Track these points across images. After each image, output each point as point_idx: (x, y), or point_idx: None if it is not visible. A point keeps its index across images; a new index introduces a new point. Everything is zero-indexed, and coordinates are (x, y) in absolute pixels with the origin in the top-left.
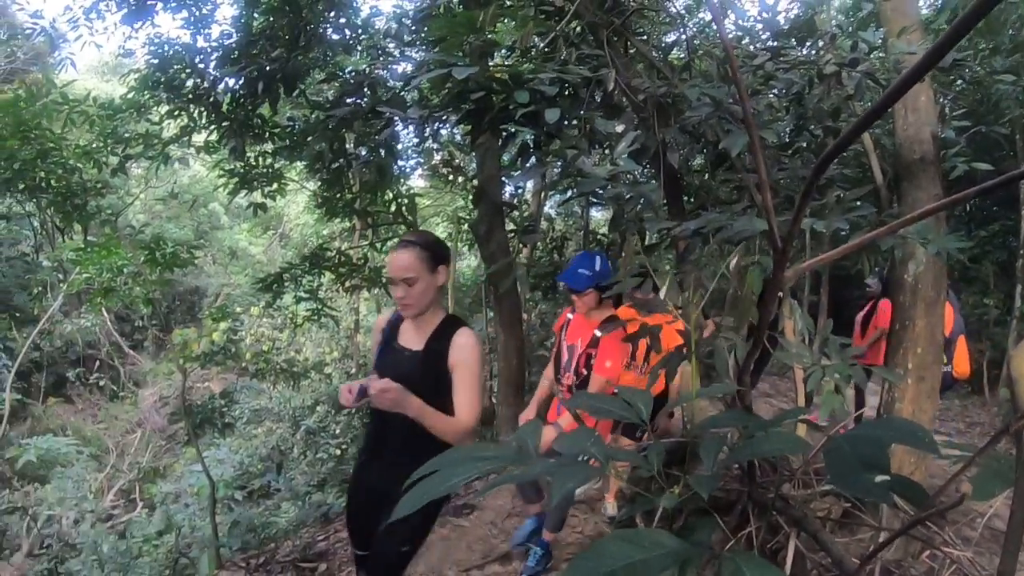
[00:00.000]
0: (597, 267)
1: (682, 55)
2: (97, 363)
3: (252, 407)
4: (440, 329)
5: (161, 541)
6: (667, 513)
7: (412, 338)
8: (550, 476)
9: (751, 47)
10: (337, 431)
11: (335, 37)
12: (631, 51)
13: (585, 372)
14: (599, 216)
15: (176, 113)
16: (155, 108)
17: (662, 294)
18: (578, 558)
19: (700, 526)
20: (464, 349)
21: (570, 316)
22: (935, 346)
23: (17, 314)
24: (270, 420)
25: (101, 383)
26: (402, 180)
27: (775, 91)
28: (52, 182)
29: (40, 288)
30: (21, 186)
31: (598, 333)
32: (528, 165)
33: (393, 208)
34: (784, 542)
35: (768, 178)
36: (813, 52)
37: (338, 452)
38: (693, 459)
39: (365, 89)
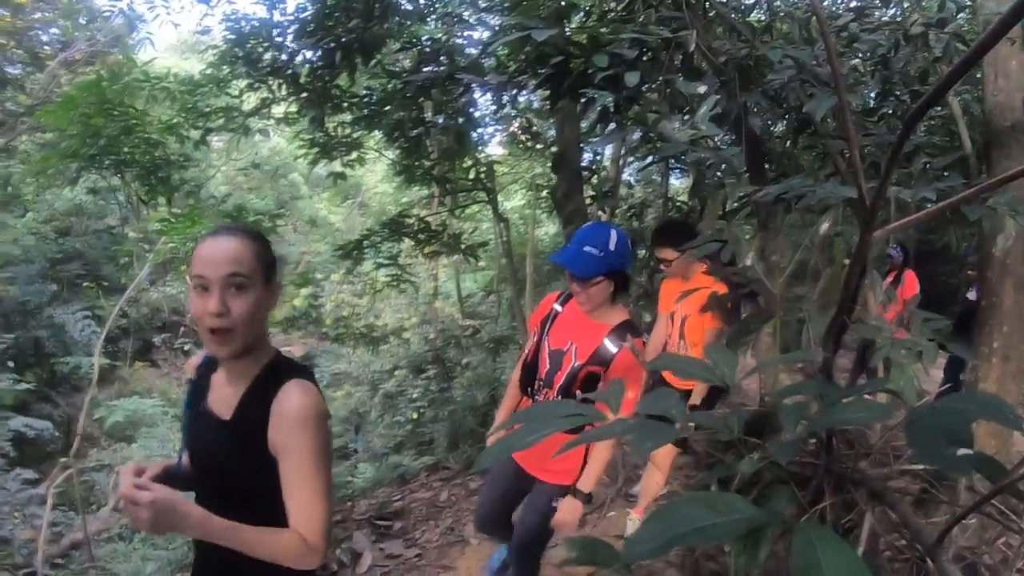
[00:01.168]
0: (611, 245)
1: (763, 17)
2: (182, 329)
3: (332, 371)
4: (258, 383)
5: None
6: (744, 480)
7: (222, 396)
8: (628, 435)
9: (834, 7)
10: (415, 395)
11: (409, 7)
12: (710, 13)
13: (582, 397)
14: (678, 183)
15: (255, 86)
16: (234, 82)
17: (743, 262)
18: (649, 519)
19: (776, 495)
20: (291, 421)
21: (557, 307)
22: (1023, 324)
23: (105, 283)
24: (349, 384)
25: (186, 348)
26: (480, 147)
27: (859, 54)
28: (137, 157)
29: (127, 258)
30: (107, 162)
31: (610, 347)
32: (608, 130)
33: (472, 175)
34: (858, 520)
35: (853, 143)
36: (899, 13)
37: (415, 416)
38: (771, 430)
39: (442, 57)
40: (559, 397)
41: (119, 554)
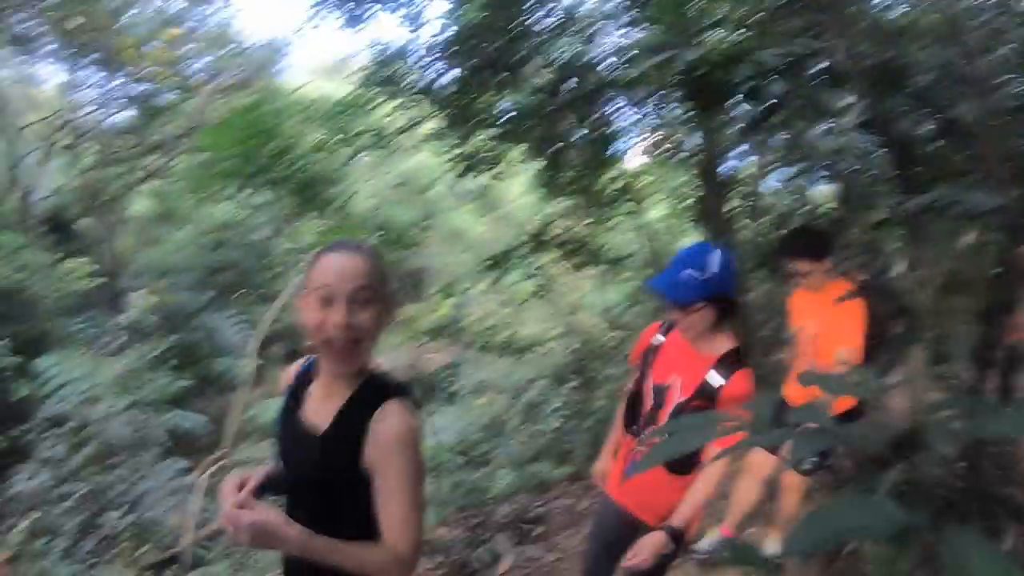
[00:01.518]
0: (714, 267)
1: (905, 10)
2: None
3: (475, 379)
4: (357, 399)
5: None
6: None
7: (319, 408)
8: (785, 442)
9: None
10: (556, 405)
11: (547, 22)
12: (849, 9)
13: None
14: (824, 191)
15: (404, 107)
16: (382, 103)
17: (893, 274)
18: (806, 518)
19: (921, 506)
20: (390, 441)
21: (659, 338)
22: None
23: (258, 292)
24: (491, 392)
25: None
26: (622, 159)
27: (1010, 47)
28: (290, 175)
29: (279, 268)
30: (264, 180)
31: (716, 381)
32: (753, 140)
33: (614, 186)
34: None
35: (1005, 146)
36: None
37: (556, 425)
38: (918, 447)
39: (584, 71)
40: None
41: None
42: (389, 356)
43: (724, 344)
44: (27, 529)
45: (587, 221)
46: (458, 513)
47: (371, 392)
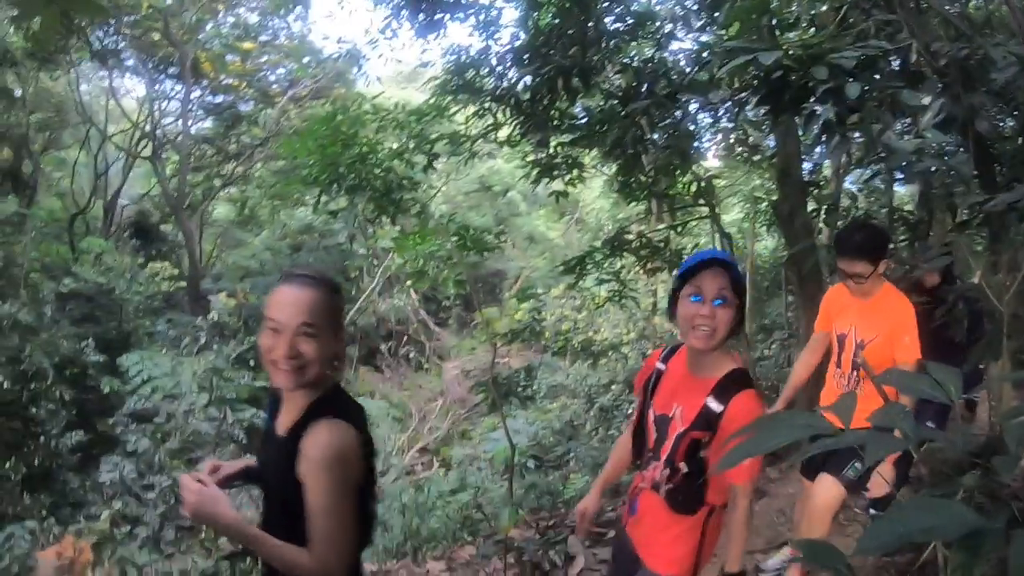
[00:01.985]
0: (736, 272)
1: (980, 4)
2: (405, 338)
3: (549, 383)
4: (307, 414)
5: (454, 498)
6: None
7: (284, 418)
8: (861, 443)
9: None
10: (629, 411)
11: (619, 27)
12: (923, 5)
13: (686, 469)
14: (903, 192)
15: (481, 113)
16: (457, 109)
17: (975, 277)
18: (878, 520)
19: (996, 510)
20: (310, 459)
21: (660, 366)
22: None
23: None
24: (566, 396)
25: (409, 355)
26: (697, 162)
27: None
28: (369, 181)
29: (356, 272)
30: (344, 186)
31: (715, 406)
32: (832, 142)
33: (691, 190)
34: None
35: None
36: None
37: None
38: (994, 452)
39: (658, 76)
40: (667, 470)
41: None
42: (466, 359)
43: (726, 364)
44: (111, 517)
45: (662, 225)
46: (531, 515)
47: (317, 409)
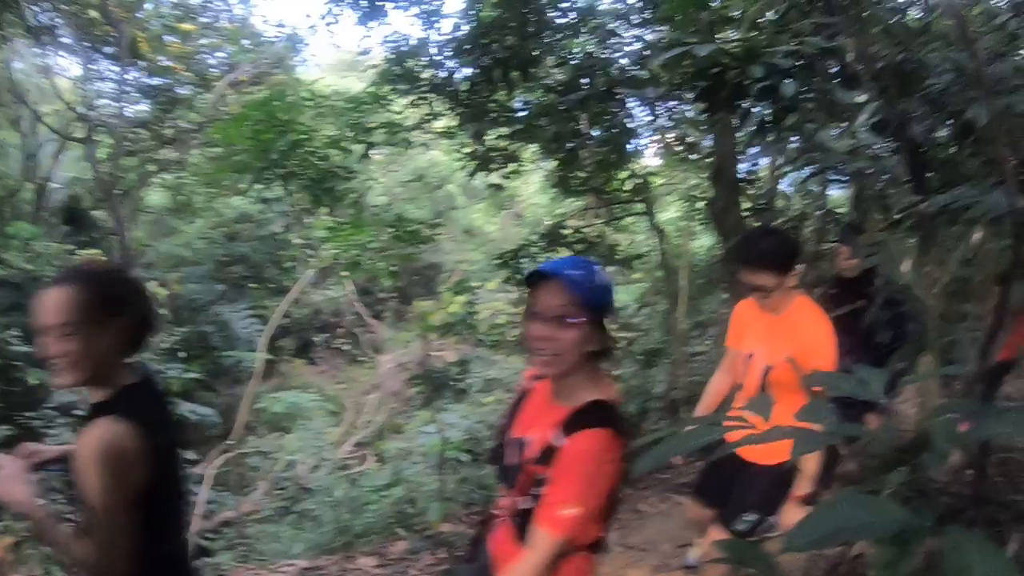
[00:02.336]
0: (596, 279)
1: (919, 15)
2: (340, 330)
3: (484, 377)
4: (90, 413)
5: (389, 493)
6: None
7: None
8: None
9: (996, 4)
10: None
11: (561, 21)
12: (864, 14)
13: (528, 504)
14: (837, 194)
15: (417, 103)
16: (396, 99)
17: (904, 277)
18: (807, 516)
19: (925, 509)
20: (81, 454)
21: (530, 384)
22: None
23: (269, 285)
24: (500, 390)
25: (343, 348)
26: (635, 158)
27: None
28: (304, 169)
29: (290, 262)
30: (276, 174)
31: (556, 440)
32: (766, 141)
33: (628, 187)
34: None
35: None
36: None
37: None
38: (922, 449)
39: (597, 71)
40: (522, 497)
41: (267, 534)
42: (401, 352)
43: (586, 394)
44: None
45: (599, 221)
46: (463, 509)
47: (99, 410)
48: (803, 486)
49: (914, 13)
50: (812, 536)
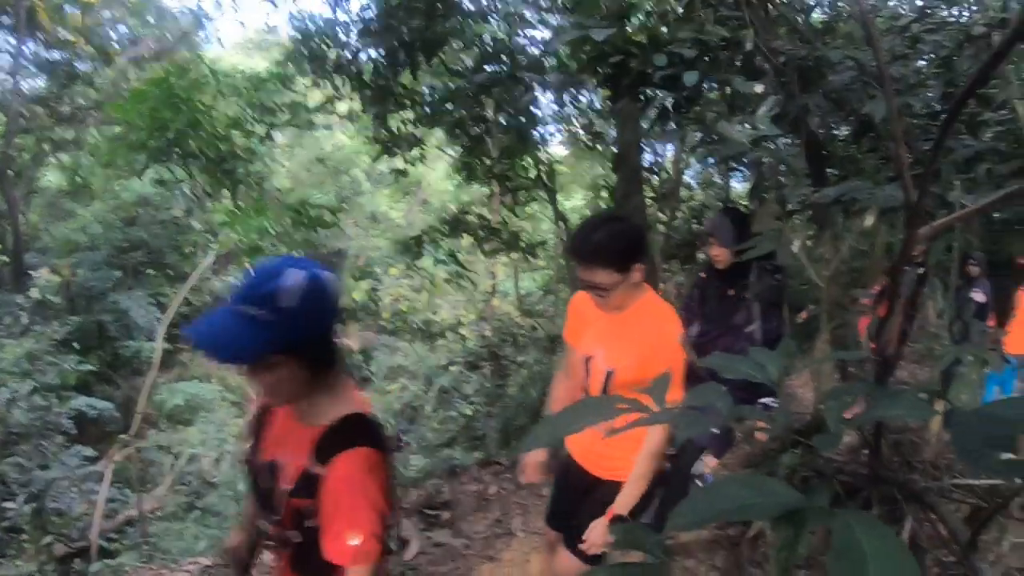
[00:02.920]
0: (288, 299)
1: (824, 17)
2: None
3: (388, 364)
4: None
5: None
6: (788, 473)
7: None
8: (673, 423)
9: (900, 8)
10: (469, 391)
11: (471, 7)
12: (772, 13)
13: (298, 538)
14: (739, 187)
15: (320, 83)
16: (299, 79)
17: (793, 250)
18: (692, 496)
19: (819, 489)
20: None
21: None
22: None
23: (169, 272)
24: (405, 377)
25: None
26: (541, 146)
27: (923, 55)
28: (203, 150)
29: (191, 248)
30: (174, 154)
31: (314, 467)
32: (667, 129)
33: (532, 174)
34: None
35: (913, 147)
36: (961, 13)
37: (469, 412)
38: (817, 432)
39: (503, 56)
40: (281, 528)
41: (172, 532)
42: None
43: (335, 409)
44: None
45: (504, 208)
46: None
47: None
48: (622, 504)
49: (818, 15)
50: (697, 515)
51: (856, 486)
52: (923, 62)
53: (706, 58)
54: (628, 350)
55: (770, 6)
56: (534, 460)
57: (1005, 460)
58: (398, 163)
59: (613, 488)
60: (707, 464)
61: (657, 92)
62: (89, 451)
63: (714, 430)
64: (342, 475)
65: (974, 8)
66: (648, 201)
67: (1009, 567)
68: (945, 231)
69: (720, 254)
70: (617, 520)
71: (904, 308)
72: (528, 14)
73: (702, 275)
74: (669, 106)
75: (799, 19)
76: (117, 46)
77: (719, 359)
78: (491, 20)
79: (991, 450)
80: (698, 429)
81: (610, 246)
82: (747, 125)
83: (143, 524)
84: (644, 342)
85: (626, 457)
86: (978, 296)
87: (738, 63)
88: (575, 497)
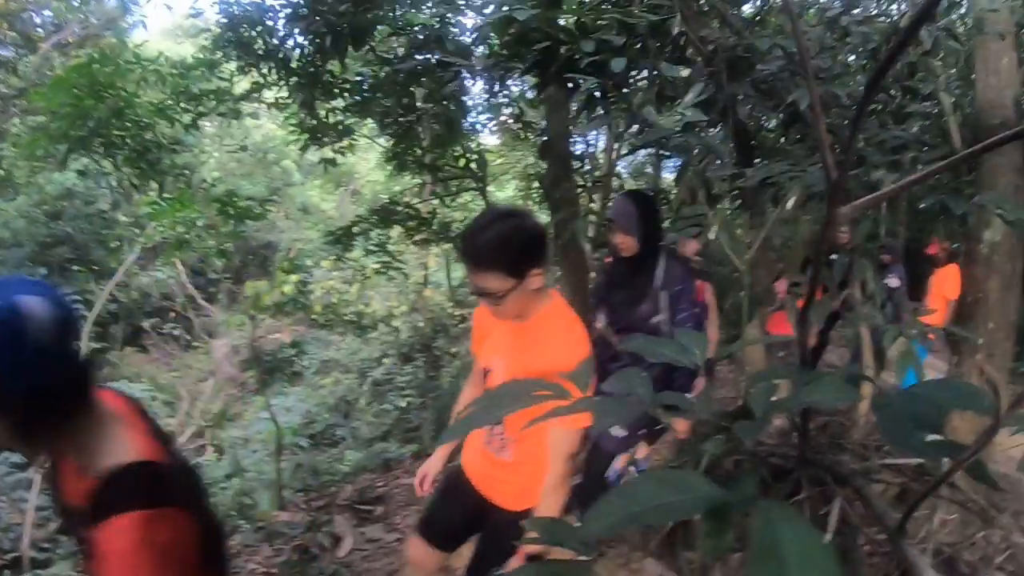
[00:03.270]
0: None
1: (754, 9)
2: (172, 314)
3: (321, 358)
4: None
5: (229, 484)
6: (713, 462)
7: None
8: (590, 411)
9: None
10: (403, 383)
11: None
12: (703, 5)
13: None
14: (671, 177)
15: (246, 70)
16: (226, 66)
17: (711, 235)
18: (606, 497)
19: (745, 480)
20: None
21: None
22: (1008, 322)
23: (95, 268)
24: (338, 371)
25: (176, 333)
26: (472, 136)
27: (851, 47)
28: (127, 140)
29: (117, 243)
30: (97, 144)
31: (89, 532)
32: (594, 116)
33: (462, 163)
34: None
35: (839, 135)
36: (889, 6)
37: (403, 404)
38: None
39: (432, 43)
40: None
41: None
42: (236, 335)
43: (110, 454)
44: None
45: (434, 198)
46: (301, 496)
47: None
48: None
49: (749, 8)
50: (610, 519)
51: (787, 468)
52: (851, 55)
53: (634, 46)
54: (527, 363)
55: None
56: (432, 472)
57: (932, 441)
58: (327, 153)
59: (510, 517)
60: (640, 451)
61: (584, 79)
62: (16, 457)
63: (618, 432)
64: (111, 549)
65: (902, 1)
66: (580, 190)
67: (940, 543)
68: (866, 210)
69: (624, 241)
70: (533, 559)
71: (834, 292)
72: (460, 1)
73: (607, 261)
74: (596, 93)
75: (731, 10)
76: (41, 31)
77: (641, 342)
78: (425, 8)
79: (918, 431)
80: (616, 419)
81: (501, 247)
82: (676, 112)
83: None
84: (545, 355)
85: (524, 484)
86: (892, 282)
87: (667, 51)
88: (463, 514)
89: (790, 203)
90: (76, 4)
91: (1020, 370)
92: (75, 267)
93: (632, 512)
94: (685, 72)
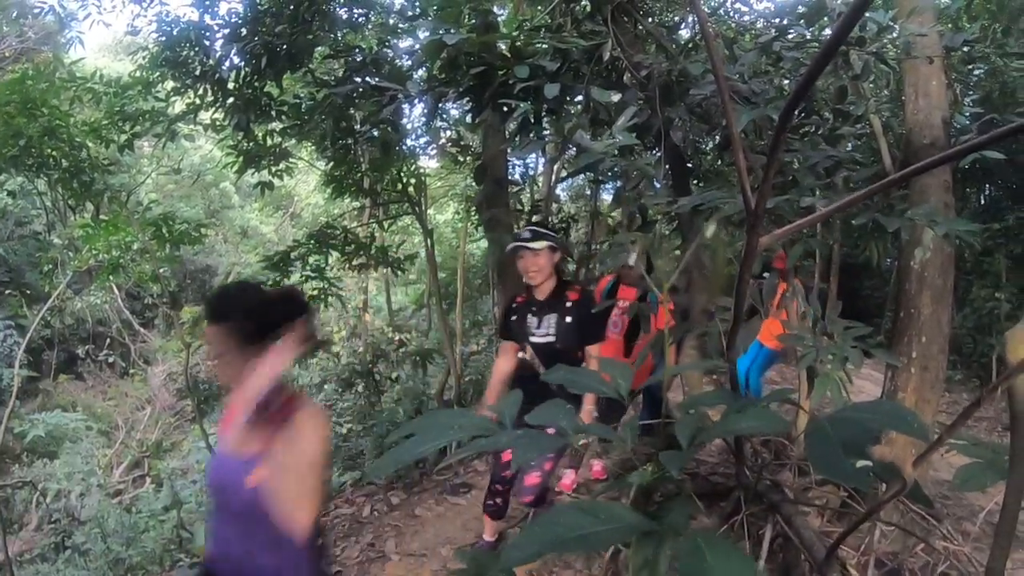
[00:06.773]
0: None
1: (690, 35)
2: (108, 340)
3: None
4: None
5: (167, 516)
6: (641, 491)
7: None
8: (515, 446)
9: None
10: (342, 409)
11: (342, 14)
12: (639, 30)
13: None
14: (609, 199)
15: (181, 90)
16: (162, 86)
17: (631, 261)
18: (530, 526)
19: (676, 507)
20: None
21: None
22: (941, 335)
23: (28, 292)
24: None
25: (111, 360)
26: (411, 159)
27: (784, 71)
28: (60, 159)
29: (51, 266)
30: (29, 163)
31: None
32: (527, 140)
33: (401, 187)
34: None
35: (772, 157)
36: (820, 32)
37: (344, 431)
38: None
39: (371, 67)
40: None
41: (42, 575)
42: (173, 362)
43: None
44: None
45: (372, 222)
46: None
47: None
48: None
49: (685, 32)
50: (531, 549)
51: (729, 485)
52: (784, 79)
53: (568, 71)
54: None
55: (639, 25)
56: None
57: (859, 468)
58: (264, 176)
59: None
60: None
61: (518, 103)
62: None
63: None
64: None
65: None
66: (518, 212)
67: (882, 553)
68: (788, 236)
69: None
70: None
71: (765, 312)
72: (400, 25)
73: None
74: (530, 117)
75: (664, 36)
76: None
77: (564, 374)
78: (365, 31)
79: (847, 457)
80: (544, 450)
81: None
82: (609, 136)
83: (11, 568)
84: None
85: None
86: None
87: (601, 76)
88: None
89: (709, 231)
90: (13, 18)
91: (956, 379)
92: (7, 291)
93: (553, 540)
94: (615, 97)
